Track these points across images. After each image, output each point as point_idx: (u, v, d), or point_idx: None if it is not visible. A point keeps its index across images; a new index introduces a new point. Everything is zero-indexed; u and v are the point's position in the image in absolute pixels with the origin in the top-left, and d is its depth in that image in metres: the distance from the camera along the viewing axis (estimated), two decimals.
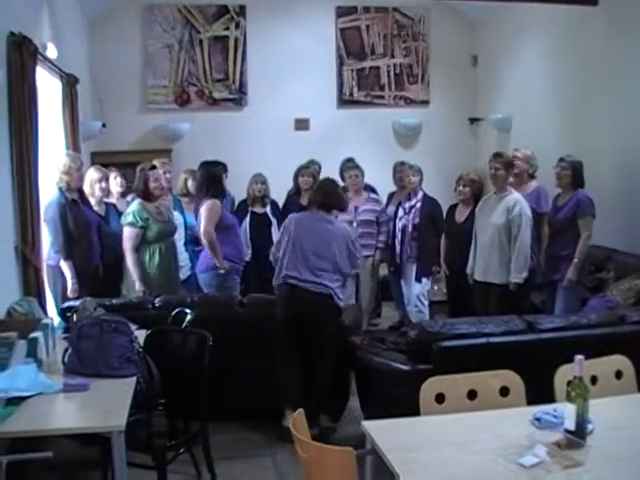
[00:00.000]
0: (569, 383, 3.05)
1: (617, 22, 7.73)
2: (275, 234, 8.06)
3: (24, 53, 5.92)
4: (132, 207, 6.63)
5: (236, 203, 8.55)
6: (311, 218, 5.77)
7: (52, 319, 4.79)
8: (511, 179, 7.00)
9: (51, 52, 7.17)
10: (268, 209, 8.34)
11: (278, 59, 11.03)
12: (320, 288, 5.46)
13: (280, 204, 8.60)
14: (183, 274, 7.18)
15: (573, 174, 6.58)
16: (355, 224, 7.94)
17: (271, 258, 5.86)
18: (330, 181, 6.09)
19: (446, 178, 9.34)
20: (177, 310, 5.07)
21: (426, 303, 7.92)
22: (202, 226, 6.64)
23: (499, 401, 3.48)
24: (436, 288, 8.31)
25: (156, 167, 6.99)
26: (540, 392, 3.46)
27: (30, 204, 5.91)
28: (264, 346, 5.55)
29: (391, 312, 9.21)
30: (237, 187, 8.43)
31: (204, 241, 6.66)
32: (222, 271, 6.68)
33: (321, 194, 5.84)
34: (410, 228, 7.85)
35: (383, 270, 8.75)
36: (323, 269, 5.51)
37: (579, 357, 2.99)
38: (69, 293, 6.36)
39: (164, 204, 6.95)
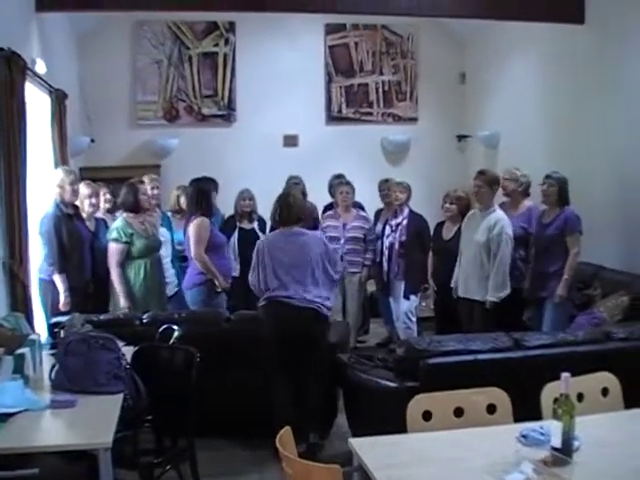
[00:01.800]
0: (555, 400, 3.05)
1: (604, 40, 7.78)
2: None
3: (13, 68, 5.92)
4: (116, 223, 6.67)
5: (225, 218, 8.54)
6: (283, 235, 5.68)
7: (39, 335, 4.78)
8: (504, 199, 7.06)
9: (40, 67, 7.18)
10: (255, 225, 8.35)
11: (267, 75, 11.06)
12: (306, 303, 5.41)
13: (268, 220, 8.60)
14: (170, 290, 7.19)
15: (559, 191, 6.61)
16: (343, 241, 7.96)
17: (251, 285, 5.73)
18: (287, 196, 5.93)
19: (434, 195, 9.37)
20: (164, 327, 5.07)
21: (414, 320, 7.92)
22: (192, 250, 6.64)
23: (486, 418, 3.49)
24: (424, 304, 8.32)
25: (144, 182, 7.00)
26: (527, 409, 3.46)
27: (18, 220, 5.89)
28: (251, 362, 5.54)
29: (379, 328, 9.20)
30: (225, 203, 8.41)
31: (198, 265, 6.65)
32: (219, 289, 6.67)
33: (281, 212, 5.73)
34: (397, 245, 7.88)
35: (371, 286, 8.77)
36: (307, 281, 5.47)
37: (565, 375, 3.00)
38: (61, 306, 6.36)
39: (149, 220, 6.97)
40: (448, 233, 7.59)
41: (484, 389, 3.56)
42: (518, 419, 3.48)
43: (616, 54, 7.54)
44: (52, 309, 6.40)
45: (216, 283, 6.63)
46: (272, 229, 8.28)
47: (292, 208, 5.71)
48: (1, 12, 6.15)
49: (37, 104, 7.35)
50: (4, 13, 6.23)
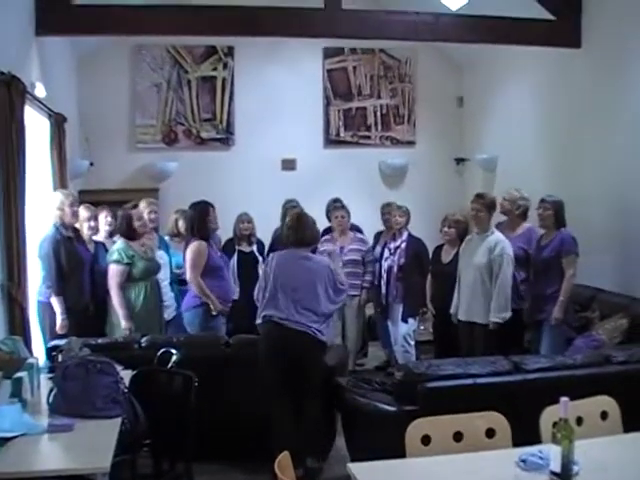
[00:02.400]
0: (555, 424, 3.05)
1: (601, 64, 7.82)
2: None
3: (13, 92, 5.95)
4: (117, 245, 6.68)
5: (222, 242, 8.54)
6: (292, 256, 5.71)
7: (37, 359, 4.77)
8: (502, 218, 7.07)
9: (40, 91, 7.21)
10: (255, 247, 8.38)
11: (265, 99, 11.10)
12: (302, 327, 5.42)
13: (267, 243, 8.64)
14: (169, 314, 7.18)
15: (555, 214, 6.64)
16: (341, 264, 7.95)
17: (255, 299, 5.79)
18: (303, 216, 5.97)
19: (432, 218, 9.38)
20: (163, 350, 5.06)
21: (412, 343, 7.91)
22: (188, 274, 6.66)
23: (485, 442, 3.48)
24: (422, 328, 8.30)
25: (137, 206, 7.02)
26: (526, 433, 3.44)
27: (17, 243, 5.91)
28: (250, 386, 5.53)
29: (378, 352, 9.20)
30: (223, 226, 8.34)
31: (195, 289, 6.65)
32: (214, 313, 6.66)
33: (295, 231, 5.77)
34: (396, 269, 7.88)
35: (369, 310, 8.76)
36: (307, 307, 5.47)
37: (564, 399, 3.00)
38: (58, 329, 6.37)
39: (148, 243, 6.97)
40: (447, 256, 7.60)
41: (483, 413, 3.55)
42: (517, 443, 3.46)
43: (613, 78, 7.58)
44: (50, 332, 6.41)
45: (211, 307, 6.61)
46: (271, 246, 8.38)
47: (306, 232, 5.76)
48: (1, 36, 6.18)
49: (36, 127, 7.38)
50: (4, 37, 6.27)
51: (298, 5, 7.55)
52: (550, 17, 8.07)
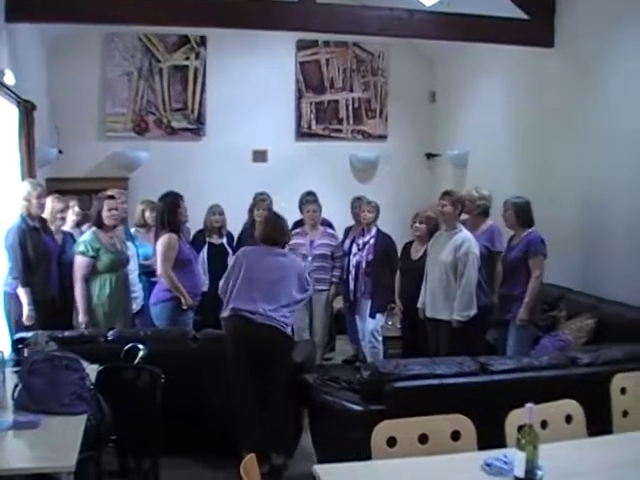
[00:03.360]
0: (520, 428, 3.07)
1: (574, 64, 7.88)
2: None
3: None
4: (85, 236, 6.60)
5: (192, 233, 8.50)
6: (265, 251, 5.76)
7: (2, 352, 4.72)
8: (464, 216, 7.09)
9: (9, 79, 7.13)
10: (225, 240, 8.35)
11: (237, 90, 11.08)
12: (272, 321, 5.43)
13: (236, 234, 8.61)
14: (137, 305, 7.15)
15: (517, 215, 6.69)
16: (310, 258, 7.96)
17: (220, 292, 5.81)
18: (276, 217, 6.07)
19: (402, 212, 9.45)
20: (130, 345, 5.03)
21: (380, 339, 7.92)
22: (158, 268, 6.61)
23: (450, 445, 3.49)
24: (390, 323, 8.30)
25: (114, 197, 6.94)
26: (492, 434, 3.46)
27: None
28: (218, 382, 5.52)
29: (345, 346, 9.21)
30: (193, 217, 8.27)
31: (165, 283, 6.61)
32: (185, 307, 6.63)
33: (269, 230, 5.86)
34: (364, 264, 7.87)
35: (338, 303, 8.76)
36: (276, 302, 5.50)
37: (529, 405, 3.01)
38: (24, 320, 6.31)
39: (118, 235, 6.91)
40: (416, 253, 7.59)
41: (449, 416, 3.56)
42: (483, 443, 3.48)
43: (585, 78, 7.64)
44: (16, 323, 6.35)
45: (182, 301, 6.59)
46: (239, 239, 8.37)
47: (279, 230, 5.85)
48: None
49: (4, 115, 7.29)
50: None
51: None
52: (524, 17, 8.11)
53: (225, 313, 5.61)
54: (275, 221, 5.94)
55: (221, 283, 5.82)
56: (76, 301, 6.54)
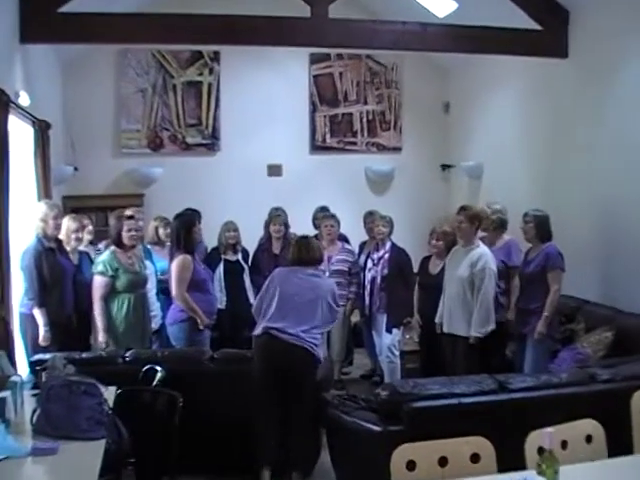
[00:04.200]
0: (540, 450, 3.05)
1: (587, 74, 7.86)
2: (248, 281, 8.07)
3: None
4: (103, 256, 6.61)
5: (208, 249, 8.49)
6: (299, 271, 5.80)
7: (20, 376, 4.73)
8: (481, 233, 7.07)
9: (23, 100, 7.17)
10: (240, 256, 8.34)
11: (251, 105, 11.07)
12: (302, 342, 5.48)
13: (251, 250, 8.61)
14: (155, 324, 7.14)
15: (537, 228, 6.65)
16: (327, 274, 7.94)
17: (254, 312, 5.86)
18: (309, 238, 6.17)
19: (418, 224, 9.46)
20: (147, 367, 5.04)
21: (397, 353, 7.89)
22: (174, 290, 6.60)
23: (470, 468, 3.47)
24: (407, 337, 8.28)
25: (134, 217, 6.96)
26: (511, 454, 3.44)
27: (0, 256, 5.86)
28: (235, 402, 5.52)
29: (363, 359, 9.18)
30: (209, 233, 8.32)
31: (181, 305, 6.61)
32: (201, 327, 6.62)
33: (303, 251, 5.89)
34: (379, 279, 7.86)
35: (355, 317, 8.74)
36: (309, 323, 5.55)
37: (549, 430, 2.99)
38: (41, 341, 6.31)
39: (136, 254, 6.92)
40: (435, 268, 7.58)
41: (468, 438, 3.53)
42: (502, 464, 3.46)
43: (599, 88, 7.61)
44: (33, 344, 6.35)
45: (198, 321, 6.59)
46: (255, 256, 8.38)
47: (313, 252, 5.92)
48: None
49: (20, 135, 7.33)
50: None
51: (284, 14, 7.53)
52: (537, 27, 8.08)
53: (257, 331, 5.66)
54: (309, 243, 6.01)
55: (255, 303, 5.91)
56: (95, 321, 6.55)
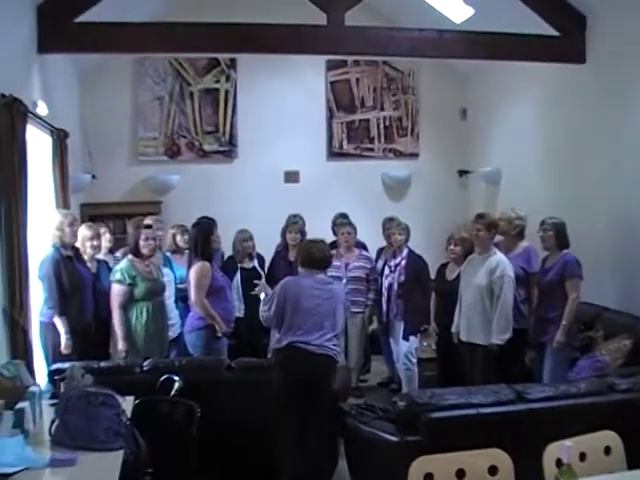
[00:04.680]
0: (558, 463, 3.03)
1: (605, 80, 7.83)
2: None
3: (14, 114, 5.94)
4: (121, 264, 6.66)
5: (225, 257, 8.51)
6: (312, 279, 5.77)
7: (39, 386, 4.76)
8: (498, 238, 7.04)
9: (41, 109, 7.20)
10: (256, 262, 8.34)
11: (268, 111, 11.08)
12: (326, 350, 5.50)
13: (267, 256, 8.62)
14: (173, 332, 7.16)
15: (556, 236, 6.63)
16: (345, 280, 7.95)
17: (262, 318, 5.85)
18: (317, 241, 6.08)
19: (435, 230, 9.44)
20: (165, 377, 5.05)
21: (414, 361, 7.88)
22: (192, 296, 6.63)
23: None
24: (425, 344, 8.27)
25: (151, 226, 6.99)
26: (529, 466, 3.42)
27: (19, 265, 5.89)
28: (253, 411, 5.52)
29: (381, 366, 9.18)
30: (226, 240, 8.32)
31: (199, 311, 6.63)
32: (219, 334, 6.63)
33: (311, 255, 5.85)
34: (396, 286, 7.86)
35: (373, 324, 8.73)
36: (327, 330, 5.55)
37: (567, 444, 2.98)
38: (62, 349, 6.33)
39: (154, 262, 6.95)
40: (451, 274, 7.57)
41: (486, 450, 3.52)
42: (520, 475, 3.45)
43: (617, 94, 7.57)
44: (53, 352, 6.38)
45: (217, 328, 6.60)
46: (272, 263, 8.38)
47: (325, 255, 5.89)
48: (3, 56, 6.17)
49: (38, 144, 7.37)
50: (6, 57, 6.26)
51: (301, 22, 7.53)
52: (555, 33, 8.06)
53: (280, 344, 5.63)
54: (317, 246, 5.95)
55: (264, 312, 5.83)
56: (114, 329, 6.58)
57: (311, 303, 5.59)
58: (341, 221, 8.68)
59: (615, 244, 7.60)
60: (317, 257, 5.82)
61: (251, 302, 7.88)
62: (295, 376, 5.47)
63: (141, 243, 6.66)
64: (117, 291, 6.52)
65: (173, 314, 7.24)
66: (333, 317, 5.62)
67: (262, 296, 6.25)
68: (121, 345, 6.46)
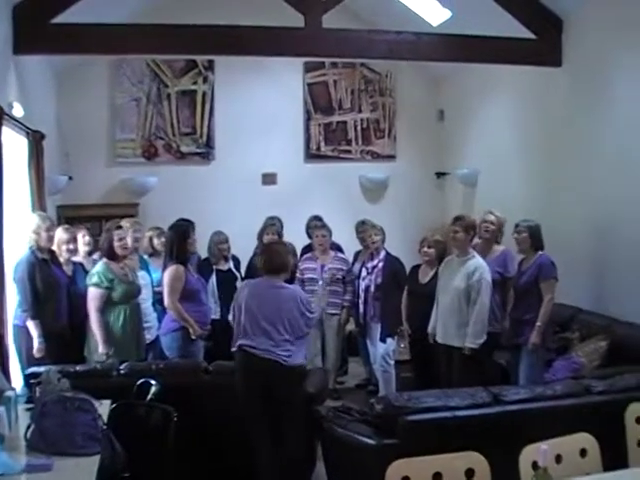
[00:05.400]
0: (534, 465, 3.05)
1: (581, 83, 7.89)
2: None
3: None
4: (97, 268, 6.59)
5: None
6: (261, 285, 5.72)
7: (15, 390, 4.71)
8: (477, 240, 7.07)
9: (17, 111, 7.16)
10: (231, 264, 8.31)
11: (246, 113, 11.08)
12: (272, 356, 5.40)
13: (244, 259, 8.59)
14: (151, 335, 7.12)
15: (531, 237, 6.65)
16: (321, 282, 7.96)
17: (230, 321, 5.88)
18: (274, 244, 6.19)
19: (412, 232, 9.44)
20: (142, 381, 5.03)
21: (391, 362, 7.89)
22: (165, 299, 6.62)
23: None
24: (402, 346, 8.24)
25: (121, 227, 6.96)
26: (506, 468, 3.44)
27: None
28: (231, 414, 5.50)
29: (358, 368, 9.18)
30: (204, 242, 8.25)
31: (173, 314, 6.62)
32: (193, 337, 6.61)
33: (266, 259, 5.81)
34: (373, 288, 7.87)
35: (350, 325, 8.74)
36: (276, 335, 5.45)
37: (543, 447, 2.99)
38: (35, 352, 6.29)
39: (129, 264, 6.91)
40: (424, 277, 7.56)
41: (462, 453, 3.53)
42: (497, 477, 3.46)
43: (593, 97, 7.64)
44: (27, 356, 6.33)
45: (190, 331, 6.59)
46: (249, 266, 8.35)
47: (275, 259, 5.76)
48: None
49: (14, 146, 7.32)
50: None
51: (278, 24, 7.53)
52: (531, 36, 8.11)
53: (234, 348, 5.62)
54: (273, 249, 5.98)
55: (230, 316, 5.94)
56: (89, 332, 6.54)
57: (258, 308, 5.53)
58: (315, 224, 8.67)
59: (591, 245, 7.65)
60: (272, 262, 5.76)
61: (227, 303, 7.88)
62: (249, 379, 5.46)
63: (115, 244, 6.62)
64: (94, 295, 6.47)
65: (151, 317, 7.20)
66: (282, 323, 5.49)
67: None
68: (101, 348, 6.40)
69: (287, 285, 5.87)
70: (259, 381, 5.41)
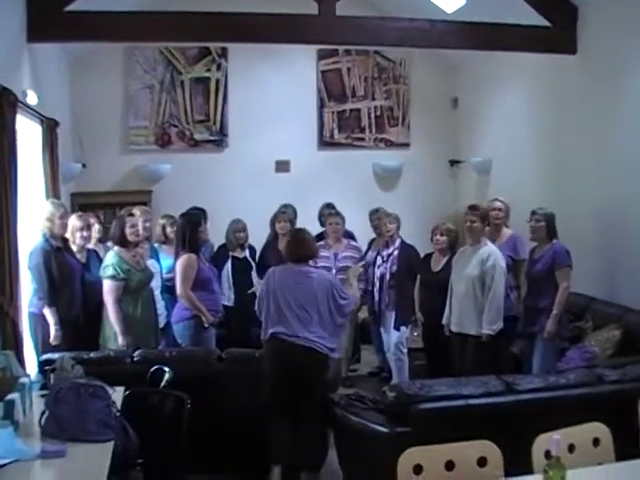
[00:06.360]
0: (547, 454, 3.04)
1: (596, 71, 7.84)
2: (255, 277, 8.04)
3: (4, 104, 5.96)
4: (110, 259, 6.54)
5: (215, 247, 8.49)
6: (291, 271, 5.71)
7: (29, 376, 4.74)
8: (487, 228, 7.06)
9: (31, 98, 7.19)
10: (247, 253, 8.32)
11: (259, 101, 11.08)
12: (309, 343, 5.43)
13: (258, 247, 8.60)
14: (160, 322, 7.12)
15: (547, 226, 6.62)
16: (334, 271, 7.94)
17: (257, 312, 5.84)
18: (300, 232, 6.07)
19: (426, 220, 9.38)
20: (155, 368, 5.04)
21: (405, 351, 7.88)
22: (178, 288, 6.63)
23: (477, 472, 3.46)
24: (416, 334, 8.25)
25: (134, 214, 6.97)
26: (518, 457, 3.42)
27: (9, 256, 5.89)
28: (244, 401, 5.53)
29: (371, 356, 9.18)
30: (217, 230, 8.26)
31: (186, 303, 6.62)
32: (206, 325, 6.62)
33: (294, 247, 5.83)
34: (388, 276, 7.85)
35: (362, 313, 8.74)
36: (311, 322, 5.48)
37: (555, 437, 2.98)
38: (52, 340, 6.32)
39: (140, 252, 6.91)
40: (436, 265, 7.56)
41: (475, 442, 3.53)
42: (510, 466, 3.45)
43: (608, 84, 7.59)
44: (43, 343, 6.36)
45: (203, 319, 6.60)
46: (262, 253, 8.36)
47: (304, 246, 5.81)
48: None
49: (28, 134, 7.35)
50: None
51: (292, 11, 7.52)
52: (546, 24, 8.07)
53: (265, 336, 5.63)
54: (300, 237, 5.93)
55: (256, 304, 5.85)
56: (108, 321, 6.51)
57: (291, 296, 5.54)
58: (328, 212, 8.64)
59: (604, 235, 7.63)
60: (302, 249, 5.79)
61: (241, 291, 7.90)
62: (283, 366, 5.47)
63: (127, 231, 6.61)
64: (111, 287, 6.43)
65: (159, 305, 7.20)
66: (317, 310, 5.52)
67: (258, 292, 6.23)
68: (121, 340, 6.39)
69: (318, 271, 5.90)
70: (291, 368, 5.43)
